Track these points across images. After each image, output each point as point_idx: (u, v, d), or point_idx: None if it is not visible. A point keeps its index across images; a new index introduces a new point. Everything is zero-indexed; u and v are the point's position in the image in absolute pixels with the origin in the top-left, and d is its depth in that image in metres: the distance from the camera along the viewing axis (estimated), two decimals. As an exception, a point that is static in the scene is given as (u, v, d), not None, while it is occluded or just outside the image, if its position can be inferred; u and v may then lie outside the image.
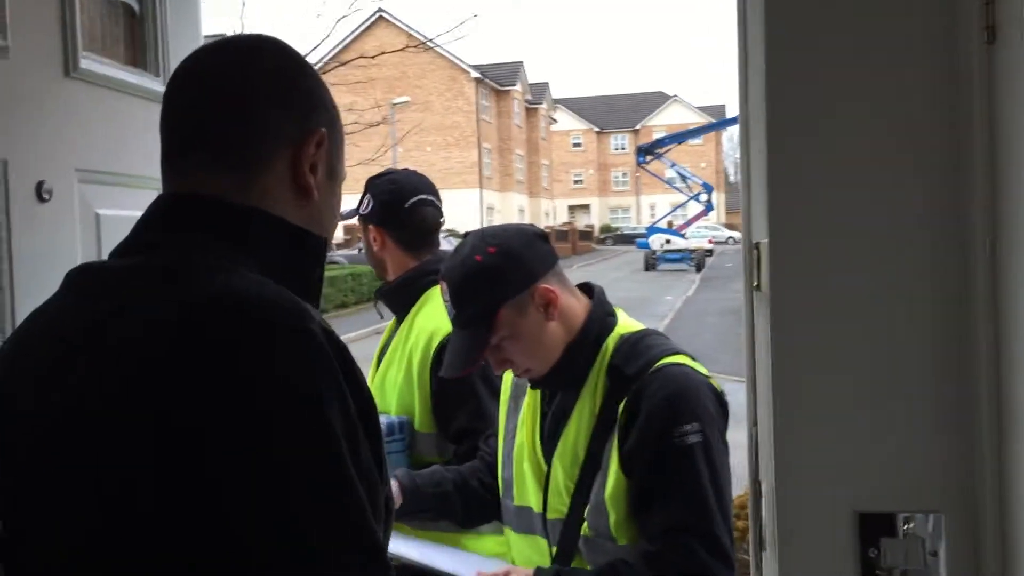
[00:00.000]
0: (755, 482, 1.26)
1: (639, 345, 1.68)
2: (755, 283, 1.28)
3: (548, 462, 1.71)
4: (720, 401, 1.65)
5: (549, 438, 1.73)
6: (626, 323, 1.76)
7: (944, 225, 1.11)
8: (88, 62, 1.45)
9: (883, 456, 1.11)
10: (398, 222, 2.19)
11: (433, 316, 2.13)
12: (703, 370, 1.68)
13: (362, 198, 2.24)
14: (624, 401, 1.62)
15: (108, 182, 1.51)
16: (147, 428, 0.85)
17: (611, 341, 1.70)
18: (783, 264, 1.15)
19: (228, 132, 1.01)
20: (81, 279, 1.02)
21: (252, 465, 0.84)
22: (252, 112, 1.01)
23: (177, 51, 1.72)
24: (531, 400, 1.79)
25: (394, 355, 2.22)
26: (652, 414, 1.58)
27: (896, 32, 1.12)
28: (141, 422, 0.85)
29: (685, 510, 1.55)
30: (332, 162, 1.07)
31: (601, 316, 1.74)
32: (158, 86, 1.66)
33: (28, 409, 0.95)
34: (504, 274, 1.65)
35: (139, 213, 1.58)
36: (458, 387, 2.03)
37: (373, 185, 2.25)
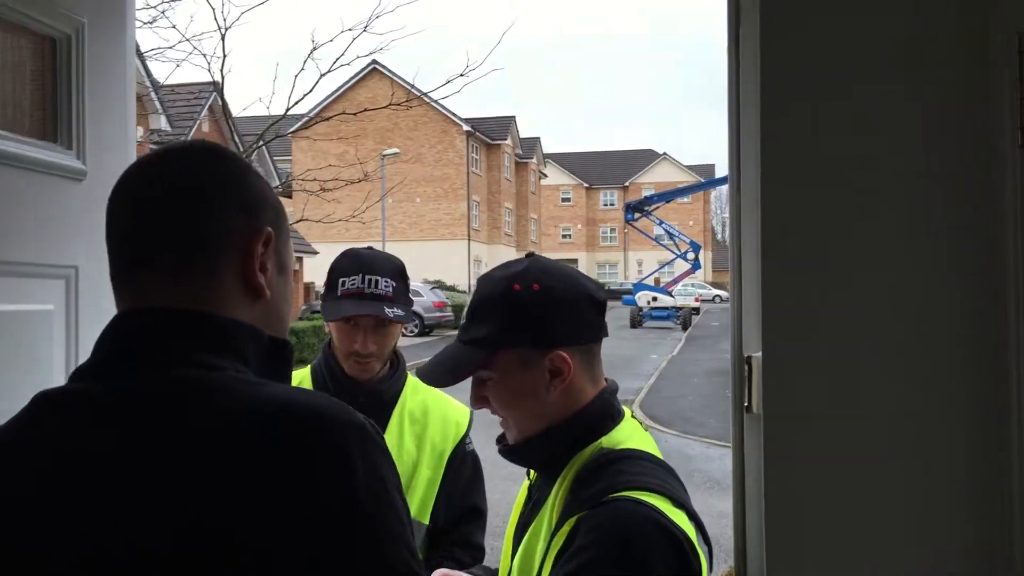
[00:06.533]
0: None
1: (610, 467, 1.41)
2: (746, 403, 1.15)
3: (512, 555, 1.54)
4: (679, 554, 1.32)
5: (522, 528, 1.55)
6: (622, 437, 1.48)
7: (971, 335, 1.02)
8: (-14, 136, 1.31)
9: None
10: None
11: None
12: (674, 514, 1.36)
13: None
14: (570, 524, 1.37)
15: (-2, 271, 1.35)
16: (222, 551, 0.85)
17: (590, 450, 1.45)
18: (780, 381, 1.02)
19: (182, 241, 1.00)
20: (60, 406, 0.96)
21: None
22: (204, 219, 1.01)
23: (100, 123, 1.57)
24: (526, 483, 1.59)
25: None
26: (581, 551, 1.32)
27: (912, 105, 1.06)
28: (213, 546, 0.85)
29: None
30: (282, 258, 1.08)
31: (595, 414, 1.48)
32: (70, 161, 1.52)
33: (50, 551, 0.88)
34: (529, 320, 1.43)
35: (26, 307, 1.44)
36: None
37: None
